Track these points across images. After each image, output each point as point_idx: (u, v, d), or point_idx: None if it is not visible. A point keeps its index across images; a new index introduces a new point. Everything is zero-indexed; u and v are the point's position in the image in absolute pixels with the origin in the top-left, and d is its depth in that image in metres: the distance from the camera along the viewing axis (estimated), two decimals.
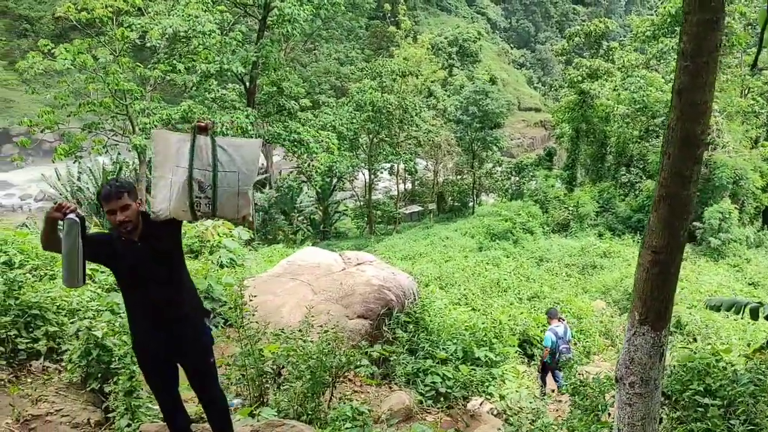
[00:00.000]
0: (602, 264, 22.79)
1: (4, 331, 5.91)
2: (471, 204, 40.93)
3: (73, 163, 28.99)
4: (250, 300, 5.96)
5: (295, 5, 22.85)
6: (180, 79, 25.59)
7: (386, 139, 37.97)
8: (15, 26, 64.11)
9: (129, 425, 4.23)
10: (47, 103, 26.14)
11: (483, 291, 14.66)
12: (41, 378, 5.55)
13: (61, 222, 3.45)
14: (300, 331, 5.75)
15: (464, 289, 14.32)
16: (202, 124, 3.69)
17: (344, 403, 5.16)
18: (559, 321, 10.62)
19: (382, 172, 42.41)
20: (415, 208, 43.84)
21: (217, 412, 3.86)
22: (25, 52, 23.46)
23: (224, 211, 3.76)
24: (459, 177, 43.74)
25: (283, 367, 5.34)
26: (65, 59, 22.48)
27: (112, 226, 3.60)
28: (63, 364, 5.47)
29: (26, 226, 28.10)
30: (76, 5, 23.25)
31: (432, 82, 46.90)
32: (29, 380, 5.60)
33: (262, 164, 43.67)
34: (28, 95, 40.89)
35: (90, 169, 35.86)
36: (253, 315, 5.88)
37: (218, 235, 10.14)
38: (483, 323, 9.29)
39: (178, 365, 3.81)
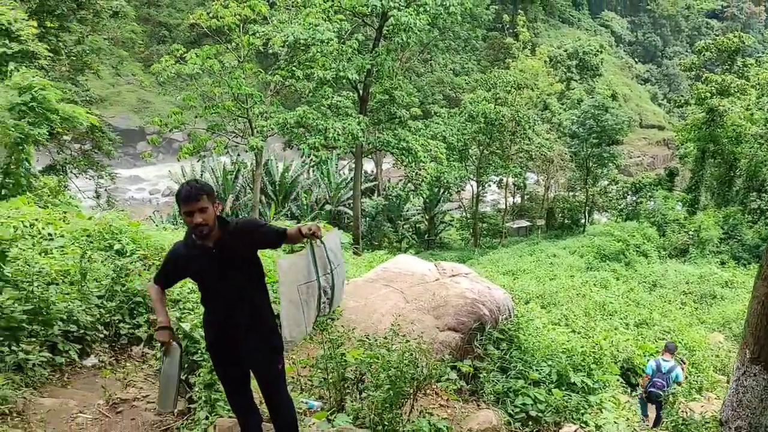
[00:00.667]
0: (723, 294, 21.14)
1: (108, 315, 6.27)
2: (582, 222, 39.49)
3: (197, 161, 30.75)
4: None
5: (411, 15, 23.03)
6: (299, 86, 26.47)
7: (497, 151, 37.40)
8: (155, 32, 68.92)
9: (207, 418, 4.33)
10: (177, 105, 27.76)
11: (586, 313, 13.98)
12: (138, 363, 5.83)
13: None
14: (385, 338, 5.68)
15: (566, 310, 13.74)
16: (319, 234, 3.73)
17: (424, 417, 5.02)
18: (672, 357, 9.97)
19: (490, 185, 41.80)
20: (523, 223, 42.87)
21: (282, 420, 3.80)
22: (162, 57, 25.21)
23: (336, 303, 4.03)
24: (571, 193, 42.36)
25: (365, 374, 5.29)
26: (194, 63, 23.90)
27: (188, 228, 3.60)
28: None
29: (152, 219, 30.12)
30: (209, 13, 24.67)
31: (548, 95, 45.74)
32: (128, 364, 5.89)
33: (372, 171, 44.34)
34: (162, 97, 43.90)
35: (212, 168, 37.97)
36: (338, 319, 5.84)
37: None
38: (582, 347, 8.83)
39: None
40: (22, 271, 5.58)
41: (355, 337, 5.92)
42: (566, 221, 40.24)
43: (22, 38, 15.96)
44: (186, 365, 5.03)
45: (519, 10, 70.17)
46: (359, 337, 5.93)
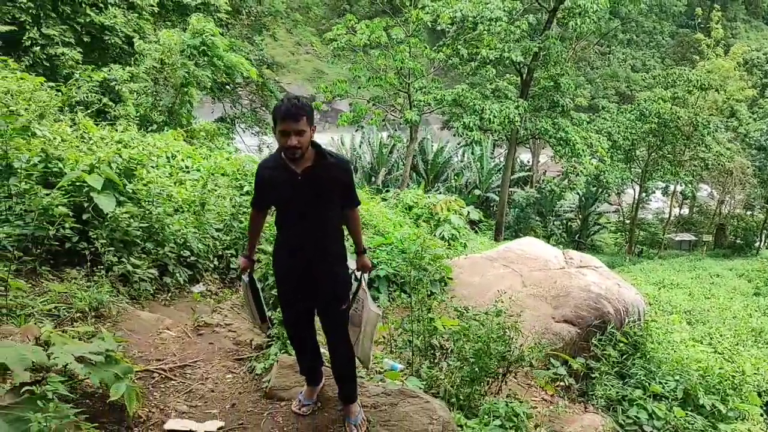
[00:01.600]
0: None
1: (222, 248, 6.44)
2: (757, 244, 35.56)
3: (355, 131, 31.77)
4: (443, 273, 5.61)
5: None
6: (465, 69, 26.05)
7: (667, 155, 34.48)
8: (337, 6, 71.56)
9: (276, 354, 4.25)
10: (346, 76, 28.56)
11: (736, 335, 12.42)
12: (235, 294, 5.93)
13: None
14: (486, 313, 5.28)
15: (713, 329, 12.30)
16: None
17: (512, 401, 4.61)
18: None
19: (655, 191, 38.81)
20: (687, 236, 39.40)
21: (337, 361, 3.59)
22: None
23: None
24: (748, 212, 38.26)
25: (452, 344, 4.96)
26: (363, 34, 24.41)
27: (280, 147, 3.38)
28: None
29: None
30: None
31: (737, 101, 41.35)
32: (232, 297, 6.01)
33: (528, 161, 42.96)
34: (335, 69, 45.64)
35: (369, 141, 38.87)
36: (446, 292, 5.51)
37: (448, 210, 10.02)
38: (721, 368, 7.80)
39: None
40: (148, 192, 5.84)
41: (452, 307, 5.60)
42: (738, 241, 36.43)
43: None
44: (271, 301, 5.00)
45: (716, 5, 63.98)
46: (456, 307, 5.59)
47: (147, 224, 5.47)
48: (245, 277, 3.72)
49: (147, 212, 5.52)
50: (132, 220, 5.27)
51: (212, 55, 11.77)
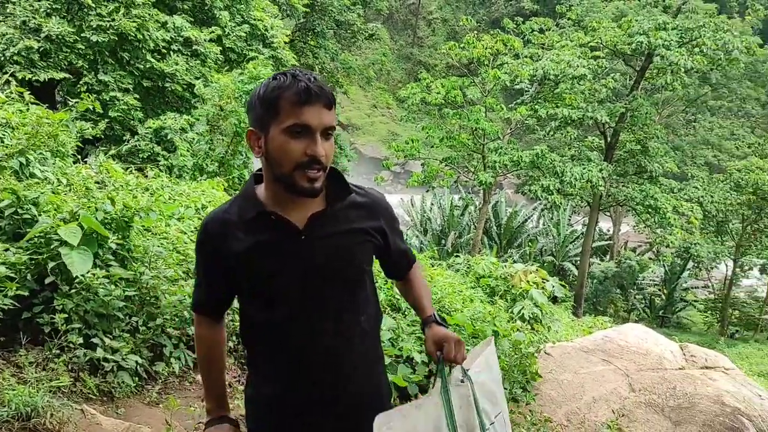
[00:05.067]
0: None
1: None
2: None
3: (425, 191, 30.89)
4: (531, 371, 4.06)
5: (682, 55, 19.92)
6: (542, 130, 24.74)
7: (765, 230, 31.52)
8: (414, 70, 72.05)
9: None
10: (418, 136, 27.91)
11: None
12: None
13: None
14: None
15: None
16: (459, 358, 1.79)
17: None
18: None
19: (751, 268, 35.52)
20: None
21: None
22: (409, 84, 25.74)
23: None
24: None
25: None
26: (438, 93, 23.70)
27: (287, 165, 1.61)
28: None
29: None
30: (460, 45, 24.39)
31: None
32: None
33: (608, 230, 40.42)
34: (409, 131, 45.32)
35: (440, 204, 37.60)
36: (531, 391, 3.96)
37: (527, 282, 8.40)
38: None
39: None
40: (145, 251, 4.56)
41: (531, 422, 4.00)
42: None
43: (274, 45, 16.50)
44: None
45: None
46: (535, 421, 3.99)
47: (135, 292, 4.15)
48: None
49: (137, 275, 4.21)
50: (114, 287, 3.97)
51: None
